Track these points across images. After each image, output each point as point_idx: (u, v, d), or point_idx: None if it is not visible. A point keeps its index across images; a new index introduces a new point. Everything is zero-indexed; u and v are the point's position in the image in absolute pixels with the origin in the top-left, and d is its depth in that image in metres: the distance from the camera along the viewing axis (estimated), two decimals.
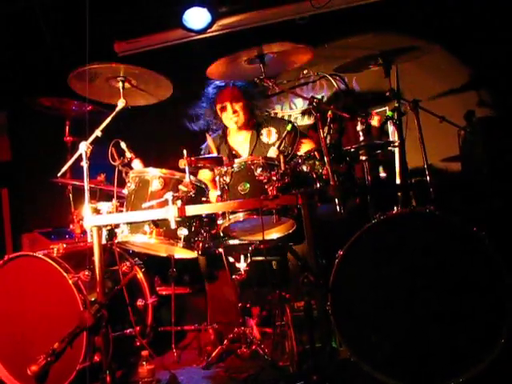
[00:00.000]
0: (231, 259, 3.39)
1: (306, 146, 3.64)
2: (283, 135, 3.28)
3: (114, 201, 2.95)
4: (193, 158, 2.83)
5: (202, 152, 4.02)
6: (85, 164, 2.84)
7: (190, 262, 3.37)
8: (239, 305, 3.36)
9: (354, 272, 2.76)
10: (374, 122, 3.36)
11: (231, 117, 3.80)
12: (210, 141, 3.59)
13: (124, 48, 4.97)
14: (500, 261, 2.58)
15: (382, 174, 3.67)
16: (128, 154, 3.02)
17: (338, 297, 2.71)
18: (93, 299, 2.90)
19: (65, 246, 3.26)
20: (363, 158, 2.95)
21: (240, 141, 3.94)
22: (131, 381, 3.11)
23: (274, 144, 3.66)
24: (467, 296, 2.63)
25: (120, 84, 3.10)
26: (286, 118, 4.88)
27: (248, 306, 3.45)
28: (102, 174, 3.59)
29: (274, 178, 2.72)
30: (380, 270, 2.72)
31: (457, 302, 2.63)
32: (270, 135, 3.83)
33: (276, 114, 4.93)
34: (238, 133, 3.93)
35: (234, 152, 3.89)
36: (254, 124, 3.91)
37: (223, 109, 3.84)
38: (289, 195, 2.69)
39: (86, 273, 3.06)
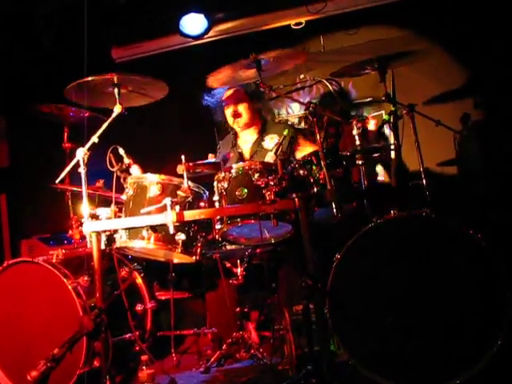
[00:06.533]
0: (228, 264, 3.40)
1: (300, 152, 3.64)
2: (280, 140, 3.29)
3: (113, 206, 2.96)
4: (190, 164, 2.86)
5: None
6: (82, 170, 2.84)
7: (188, 267, 3.38)
8: (237, 309, 3.38)
9: (352, 275, 2.77)
10: (371, 126, 3.39)
11: (232, 120, 3.81)
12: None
13: (121, 54, 4.99)
14: (497, 262, 2.60)
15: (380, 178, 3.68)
16: (126, 160, 3.03)
17: (336, 300, 2.72)
18: (92, 304, 2.90)
19: (64, 251, 3.27)
20: (359, 162, 2.96)
21: (246, 140, 3.94)
22: None
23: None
24: (464, 297, 2.65)
25: (116, 90, 3.11)
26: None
27: (246, 310, 3.47)
28: (101, 180, 3.60)
29: (272, 183, 2.73)
30: (377, 273, 2.74)
31: (454, 304, 2.65)
32: (271, 141, 3.80)
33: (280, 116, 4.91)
34: (242, 133, 3.93)
35: (239, 151, 3.89)
36: (260, 126, 3.90)
37: (227, 109, 3.85)
38: (286, 200, 2.71)
39: (86, 278, 3.08)
